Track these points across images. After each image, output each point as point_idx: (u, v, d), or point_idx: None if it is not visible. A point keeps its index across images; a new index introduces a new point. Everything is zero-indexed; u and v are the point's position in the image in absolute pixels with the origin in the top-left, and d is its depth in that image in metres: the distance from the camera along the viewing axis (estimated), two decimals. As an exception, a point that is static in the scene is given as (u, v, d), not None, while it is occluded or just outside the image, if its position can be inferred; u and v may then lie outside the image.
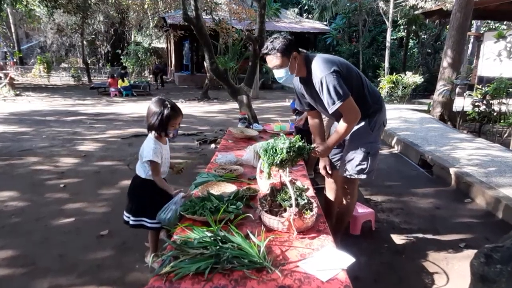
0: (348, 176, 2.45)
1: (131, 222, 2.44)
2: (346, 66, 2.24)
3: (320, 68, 2.14)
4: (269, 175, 2.10)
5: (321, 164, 2.72)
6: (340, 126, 2.25)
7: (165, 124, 2.24)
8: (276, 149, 2.02)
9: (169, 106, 2.24)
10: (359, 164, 2.38)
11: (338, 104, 2.10)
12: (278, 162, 2.01)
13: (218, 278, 1.49)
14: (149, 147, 2.28)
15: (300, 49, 2.27)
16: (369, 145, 2.37)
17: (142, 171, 2.41)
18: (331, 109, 2.14)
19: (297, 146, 2.04)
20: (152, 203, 2.37)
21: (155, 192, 2.39)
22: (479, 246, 2.90)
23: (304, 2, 23.45)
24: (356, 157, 2.38)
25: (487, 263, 1.71)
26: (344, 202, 2.65)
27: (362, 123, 2.35)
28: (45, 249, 2.81)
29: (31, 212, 3.46)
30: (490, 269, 1.68)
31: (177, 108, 2.31)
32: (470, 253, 2.83)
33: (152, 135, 2.34)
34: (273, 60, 2.18)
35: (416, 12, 14.50)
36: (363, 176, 2.42)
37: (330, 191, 2.78)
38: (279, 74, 2.23)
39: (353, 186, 2.57)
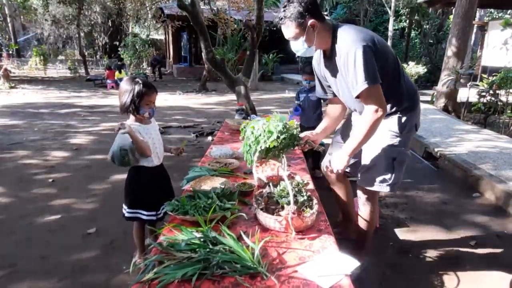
0: (367, 188, 2.03)
1: (126, 214, 2.29)
2: (383, 45, 1.82)
3: (352, 38, 1.74)
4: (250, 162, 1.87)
5: (325, 162, 2.30)
6: (361, 123, 1.82)
7: (137, 102, 2.08)
8: (267, 132, 1.77)
9: (140, 82, 2.09)
10: (382, 174, 1.96)
11: (363, 85, 1.69)
12: (261, 149, 1.75)
13: (207, 286, 1.35)
14: None
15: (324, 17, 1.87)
16: (396, 150, 1.94)
17: None
18: (356, 91, 1.73)
19: (291, 132, 1.81)
20: (147, 193, 2.24)
21: (150, 181, 2.25)
22: (491, 245, 2.77)
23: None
24: (378, 164, 1.95)
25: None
26: (362, 218, 2.18)
27: (390, 121, 1.92)
28: (27, 249, 2.63)
29: (16, 209, 3.28)
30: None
31: (150, 84, 2.16)
32: (482, 252, 2.67)
33: (130, 118, 2.20)
34: (286, 30, 1.83)
35: (419, 1, 14.22)
36: (386, 189, 1.99)
37: (342, 194, 2.38)
38: (295, 46, 1.88)
39: (373, 200, 2.11)
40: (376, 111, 1.75)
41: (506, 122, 6.64)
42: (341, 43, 1.78)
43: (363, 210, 2.17)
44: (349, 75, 1.75)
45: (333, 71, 1.94)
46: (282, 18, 1.81)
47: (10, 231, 2.90)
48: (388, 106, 1.87)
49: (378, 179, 1.97)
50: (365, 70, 1.68)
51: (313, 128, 2.27)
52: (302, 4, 1.76)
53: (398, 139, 1.94)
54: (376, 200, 2.15)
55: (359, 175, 2.11)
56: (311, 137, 2.10)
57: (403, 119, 1.92)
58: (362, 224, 2.21)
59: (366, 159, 2.02)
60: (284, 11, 1.80)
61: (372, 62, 1.70)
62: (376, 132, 1.85)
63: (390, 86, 1.84)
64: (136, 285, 1.34)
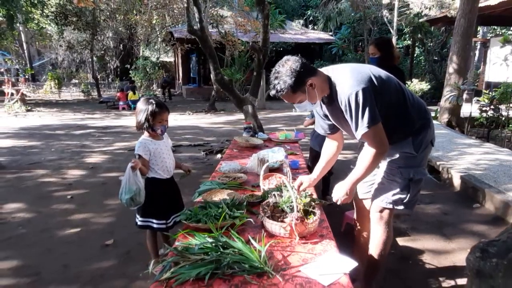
0: (382, 206, 1.99)
1: (138, 223, 2.48)
2: (381, 78, 1.81)
3: (349, 83, 1.73)
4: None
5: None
6: (362, 159, 1.83)
7: (150, 120, 2.35)
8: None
9: (154, 103, 2.36)
10: (398, 193, 1.93)
11: (363, 129, 1.72)
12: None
13: (219, 284, 1.47)
14: (137, 142, 2.41)
15: (317, 67, 1.88)
16: (412, 170, 1.92)
17: None
18: (357, 135, 1.77)
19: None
20: (157, 203, 2.43)
21: (161, 192, 2.43)
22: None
23: (309, 13, 23.66)
24: (394, 184, 1.94)
25: (483, 257, 1.67)
26: (375, 238, 2.08)
27: (405, 144, 1.90)
28: (50, 259, 2.82)
29: (38, 223, 3.49)
30: (486, 263, 1.64)
31: (162, 104, 2.43)
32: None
33: (144, 134, 2.46)
34: (287, 99, 1.83)
35: (421, 20, 14.53)
36: (401, 208, 1.96)
37: (361, 218, 2.32)
38: (302, 109, 1.90)
39: (387, 220, 2.02)
40: (376, 151, 1.78)
41: (508, 136, 6.74)
42: (340, 89, 1.78)
43: (375, 232, 2.08)
44: (350, 119, 1.77)
45: (336, 113, 1.94)
46: (278, 92, 1.77)
47: (33, 243, 3.09)
48: (401, 132, 1.89)
49: (393, 198, 1.95)
50: (362, 113, 1.70)
51: None
52: (293, 71, 1.73)
53: (415, 159, 1.93)
54: (389, 222, 2.04)
55: (372, 193, 2.09)
56: (310, 184, 2.17)
57: (418, 138, 1.91)
58: (372, 249, 2.10)
59: (382, 178, 2.02)
60: (278, 83, 1.75)
61: (371, 104, 1.70)
62: (392, 154, 1.93)
63: (398, 114, 1.86)
64: (155, 283, 1.49)
